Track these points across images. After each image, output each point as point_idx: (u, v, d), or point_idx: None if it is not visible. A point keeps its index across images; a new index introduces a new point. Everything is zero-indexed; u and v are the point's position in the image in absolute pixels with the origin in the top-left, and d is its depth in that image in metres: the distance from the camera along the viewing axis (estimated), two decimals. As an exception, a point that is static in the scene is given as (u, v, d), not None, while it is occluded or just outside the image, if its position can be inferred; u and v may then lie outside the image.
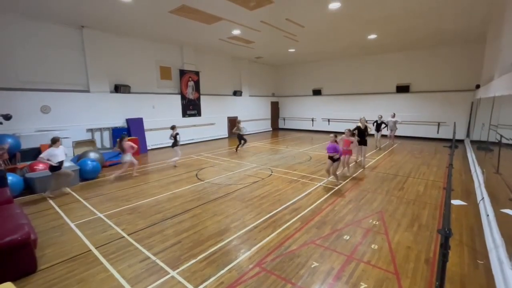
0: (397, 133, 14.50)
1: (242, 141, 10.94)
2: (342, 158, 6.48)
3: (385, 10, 7.70)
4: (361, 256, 3.38)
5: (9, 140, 6.42)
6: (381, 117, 11.30)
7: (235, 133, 11.02)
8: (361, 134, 7.75)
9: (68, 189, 6.08)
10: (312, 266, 3.19)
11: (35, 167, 6.64)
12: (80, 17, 8.13)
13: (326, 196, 5.62)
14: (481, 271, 3.08)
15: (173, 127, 8.55)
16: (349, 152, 6.89)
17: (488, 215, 4.21)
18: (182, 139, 12.52)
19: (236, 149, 11.01)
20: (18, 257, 3.01)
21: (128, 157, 7.04)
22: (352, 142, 6.81)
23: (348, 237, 3.87)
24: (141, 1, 6.87)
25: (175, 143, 8.45)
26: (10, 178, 5.55)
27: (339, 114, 16.77)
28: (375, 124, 11.17)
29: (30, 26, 8.02)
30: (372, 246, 3.62)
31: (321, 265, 3.20)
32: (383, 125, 11.26)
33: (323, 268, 3.14)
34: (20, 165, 7.03)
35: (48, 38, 8.44)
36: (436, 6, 7.47)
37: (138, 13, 7.78)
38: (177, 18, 8.17)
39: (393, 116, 11.93)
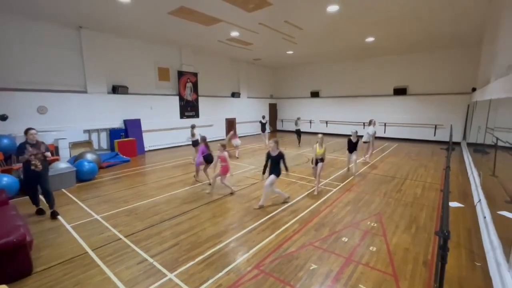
0: (393, 135, 14.64)
1: (298, 137, 12.89)
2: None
3: (383, 13, 7.76)
4: (360, 258, 3.38)
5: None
6: (356, 132, 7.67)
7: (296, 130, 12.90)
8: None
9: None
10: (311, 268, 3.18)
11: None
12: (78, 17, 8.10)
13: (324, 198, 5.63)
14: (479, 273, 3.10)
15: (263, 117, 12.60)
16: (225, 171, 5.78)
17: (485, 217, 4.24)
18: (179, 140, 12.60)
19: (299, 143, 12.91)
20: (13, 259, 2.96)
21: (237, 142, 10.11)
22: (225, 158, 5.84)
23: (346, 239, 3.86)
24: (139, 2, 6.85)
25: (263, 129, 12.29)
26: (6, 179, 5.48)
27: (337, 116, 16.84)
28: (348, 143, 7.67)
29: (27, 26, 7.97)
30: (371, 248, 3.62)
31: (320, 267, 3.19)
32: (360, 142, 7.91)
33: (322, 270, 3.14)
34: (15, 166, 6.96)
35: (45, 39, 8.38)
36: (433, 10, 7.54)
37: (136, 14, 7.77)
38: (176, 20, 8.17)
39: (373, 123, 9.31)
